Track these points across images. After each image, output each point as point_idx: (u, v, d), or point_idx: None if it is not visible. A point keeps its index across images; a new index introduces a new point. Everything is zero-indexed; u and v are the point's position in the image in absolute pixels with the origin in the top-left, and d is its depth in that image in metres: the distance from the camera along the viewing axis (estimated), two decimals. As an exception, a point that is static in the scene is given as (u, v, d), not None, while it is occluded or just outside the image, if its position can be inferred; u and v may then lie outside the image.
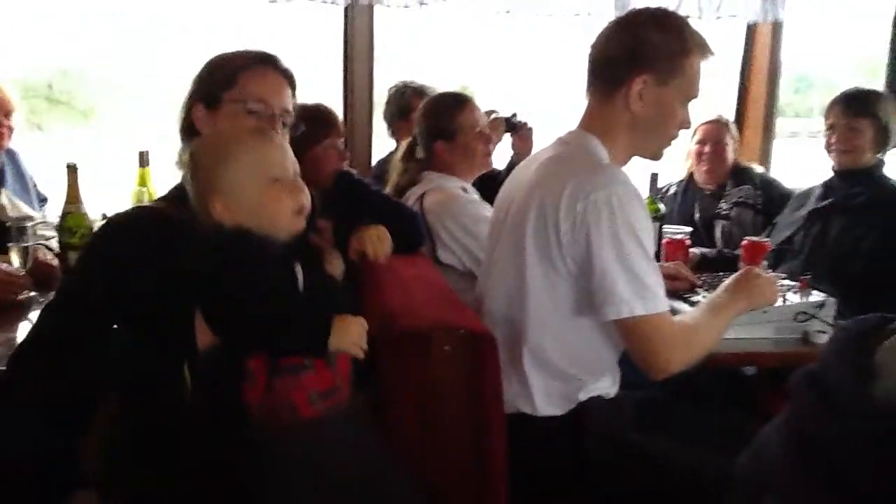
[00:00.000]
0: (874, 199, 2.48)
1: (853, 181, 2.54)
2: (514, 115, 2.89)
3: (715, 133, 3.15)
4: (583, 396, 1.70)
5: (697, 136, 3.18)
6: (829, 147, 2.57)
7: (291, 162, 1.40)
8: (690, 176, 3.28)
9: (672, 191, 3.32)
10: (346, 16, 3.50)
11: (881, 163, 2.54)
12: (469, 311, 1.64)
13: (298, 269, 1.37)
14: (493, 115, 2.84)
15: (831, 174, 2.62)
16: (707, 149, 3.15)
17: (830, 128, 2.55)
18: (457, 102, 2.45)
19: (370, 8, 3.47)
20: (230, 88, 1.55)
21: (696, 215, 3.20)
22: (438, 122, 2.43)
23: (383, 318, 1.61)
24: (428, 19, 3.63)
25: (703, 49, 1.65)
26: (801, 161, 2.65)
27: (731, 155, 3.18)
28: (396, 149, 2.81)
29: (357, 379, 1.48)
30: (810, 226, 2.60)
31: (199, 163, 1.38)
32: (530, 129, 2.90)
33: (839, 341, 0.58)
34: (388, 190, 2.51)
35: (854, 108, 2.50)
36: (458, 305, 1.65)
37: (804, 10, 3.82)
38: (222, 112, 1.55)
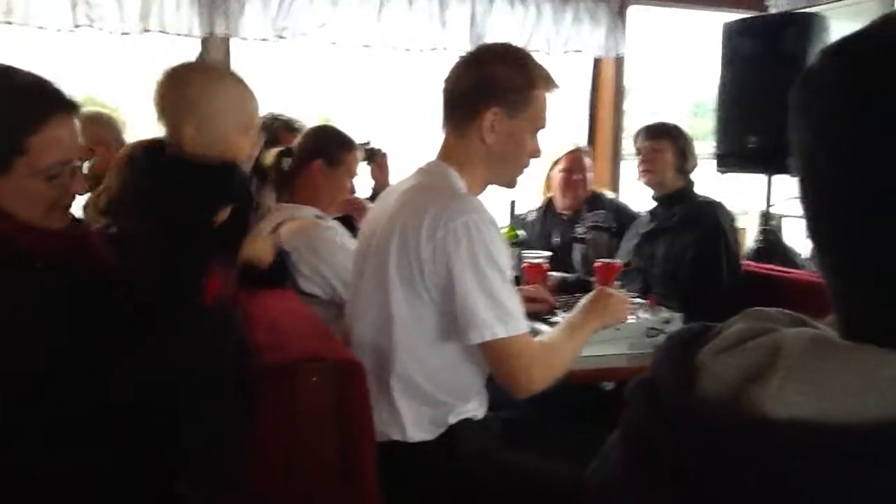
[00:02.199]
0: (689, 216, 2.74)
1: (670, 204, 2.81)
2: (368, 142, 2.92)
3: (580, 161, 3.31)
4: (452, 420, 1.73)
5: (562, 165, 3.30)
6: (638, 169, 2.84)
7: (259, 117, 1.60)
8: (548, 202, 3.42)
9: (531, 217, 3.44)
10: (202, 48, 3.46)
11: (691, 184, 2.84)
12: (336, 341, 1.64)
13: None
14: None
15: (653, 203, 2.88)
16: (576, 176, 3.29)
17: (638, 152, 2.83)
18: (350, 142, 2.48)
19: (226, 40, 3.45)
20: (21, 155, 1.36)
21: (555, 239, 3.33)
22: (328, 146, 2.43)
23: (251, 352, 1.60)
24: (288, 52, 3.64)
25: (547, 82, 1.74)
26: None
27: (590, 181, 3.36)
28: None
29: None
30: (642, 250, 2.83)
31: (185, 90, 1.51)
32: (385, 154, 2.95)
33: (666, 350, 0.63)
34: None
35: (655, 132, 2.81)
36: (325, 336, 1.65)
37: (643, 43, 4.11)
38: (14, 178, 1.36)
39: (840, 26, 3.24)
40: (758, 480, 0.49)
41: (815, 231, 0.56)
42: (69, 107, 1.43)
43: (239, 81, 1.57)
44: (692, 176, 2.84)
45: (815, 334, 0.53)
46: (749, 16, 3.63)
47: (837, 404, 0.48)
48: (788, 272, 2.83)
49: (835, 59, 0.53)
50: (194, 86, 1.51)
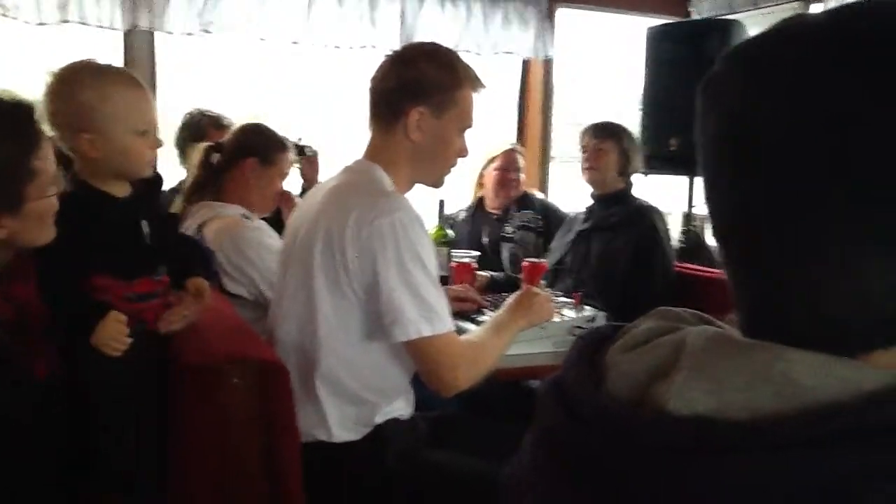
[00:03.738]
0: (626, 218, 2.78)
1: (608, 204, 2.84)
2: (300, 139, 2.91)
3: (515, 160, 3.36)
4: (378, 420, 1.72)
5: (498, 163, 3.34)
6: (582, 166, 2.86)
7: (155, 114, 1.57)
8: (479, 201, 3.45)
9: (462, 216, 3.47)
10: (125, 41, 3.36)
11: (629, 185, 2.87)
12: (259, 342, 1.62)
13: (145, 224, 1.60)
14: None
15: (591, 201, 2.91)
16: (511, 175, 3.34)
17: (584, 150, 2.85)
18: (284, 142, 2.44)
19: (150, 34, 3.36)
20: (32, 180, 1.32)
21: (485, 239, 3.36)
22: (262, 143, 2.38)
23: (172, 354, 1.57)
24: (215, 46, 3.57)
25: (474, 82, 1.75)
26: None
27: (522, 181, 3.42)
28: (187, 177, 2.70)
29: None
30: (577, 247, 2.85)
31: (75, 96, 1.46)
32: (316, 152, 2.93)
33: (577, 350, 0.64)
34: (177, 206, 2.43)
35: (602, 132, 2.83)
36: (248, 336, 1.63)
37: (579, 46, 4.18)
38: (26, 207, 1.32)
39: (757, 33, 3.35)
40: (663, 475, 0.50)
41: (714, 229, 0.58)
42: (35, 109, 1.39)
43: (134, 81, 1.54)
44: (632, 178, 2.88)
45: (716, 332, 0.54)
46: (672, 21, 3.73)
47: (735, 400, 0.50)
48: (710, 272, 2.91)
49: (731, 63, 0.55)
50: (88, 89, 1.47)
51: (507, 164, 3.34)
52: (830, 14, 0.53)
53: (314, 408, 1.67)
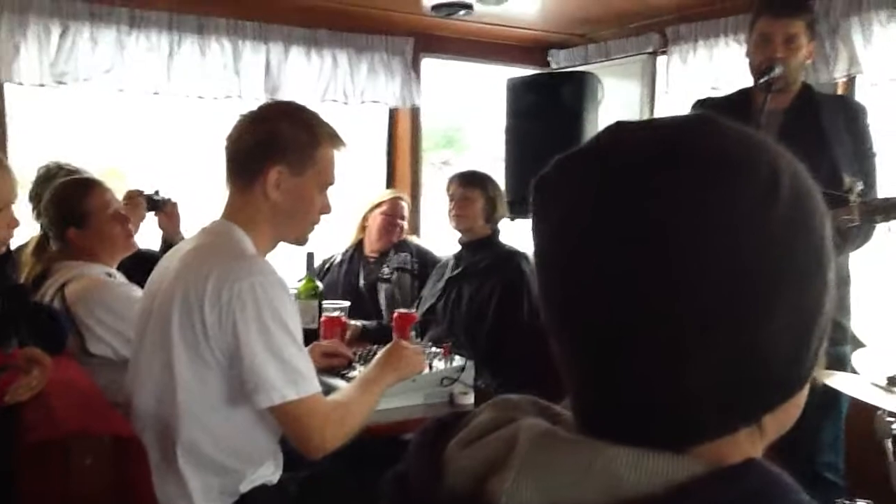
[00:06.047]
0: (494, 263, 2.89)
1: (476, 249, 2.95)
2: (157, 192, 2.84)
3: (402, 208, 3.45)
4: (244, 488, 1.67)
5: (384, 208, 3.42)
6: (449, 214, 2.97)
7: (11, 191, 1.50)
8: (358, 244, 3.47)
9: (338, 259, 3.47)
10: (-32, 93, 3.17)
11: (497, 231, 3.00)
12: (115, 415, 1.55)
13: None
14: (135, 194, 2.77)
15: (459, 247, 3.00)
16: (397, 220, 3.41)
17: (451, 198, 2.96)
18: (83, 186, 2.33)
19: (-1, 85, 3.18)
20: None
21: (362, 281, 3.38)
22: (66, 208, 2.28)
23: (20, 428, 1.48)
24: (71, 97, 3.43)
25: (333, 140, 1.75)
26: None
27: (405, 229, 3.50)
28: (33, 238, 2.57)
29: None
30: (448, 294, 2.92)
31: None
32: (174, 203, 2.86)
33: (418, 442, 0.64)
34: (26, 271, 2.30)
35: (468, 181, 2.96)
36: (101, 410, 1.55)
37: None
38: None
39: (609, 83, 3.56)
40: None
41: (545, 317, 0.59)
42: None
43: None
44: (499, 225, 2.99)
45: (546, 430, 0.56)
46: (530, 73, 3.87)
47: (563, 496, 0.52)
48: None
49: (558, 171, 0.58)
50: None
51: (394, 211, 3.43)
52: (650, 131, 0.56)
53: (175, 480, 1.61)
